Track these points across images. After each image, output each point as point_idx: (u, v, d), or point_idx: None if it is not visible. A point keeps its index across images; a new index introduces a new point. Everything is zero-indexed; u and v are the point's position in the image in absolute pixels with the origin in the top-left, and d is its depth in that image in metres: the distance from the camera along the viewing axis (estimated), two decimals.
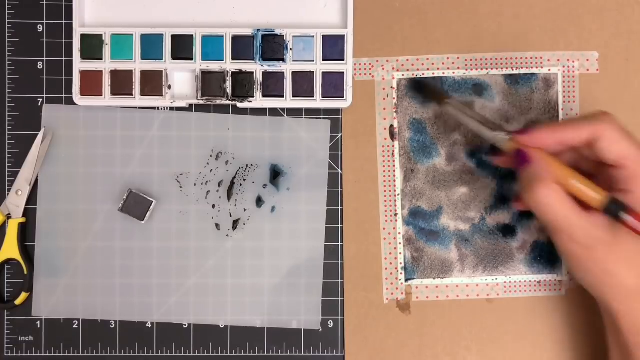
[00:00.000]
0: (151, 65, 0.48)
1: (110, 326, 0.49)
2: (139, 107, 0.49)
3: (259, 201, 0.49)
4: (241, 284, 0.49)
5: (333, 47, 0.48)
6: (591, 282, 0.41)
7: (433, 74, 0.49)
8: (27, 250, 0.49)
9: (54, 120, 0.49)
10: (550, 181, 0.39)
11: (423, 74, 0.49)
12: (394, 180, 0.49)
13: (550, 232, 0.41)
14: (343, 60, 0.48)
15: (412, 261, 0.49)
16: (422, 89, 0.49)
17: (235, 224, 0.49)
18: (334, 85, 0.48)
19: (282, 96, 0.48)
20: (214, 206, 0.49)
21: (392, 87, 0.49)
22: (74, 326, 0.49)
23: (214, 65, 0.48)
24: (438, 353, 0.49)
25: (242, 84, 0.48)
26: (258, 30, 0.48)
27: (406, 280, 0.49)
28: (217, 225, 0.49)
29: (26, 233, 0.49)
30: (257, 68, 0.48)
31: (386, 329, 0.49)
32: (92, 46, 0.48)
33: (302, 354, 0.49)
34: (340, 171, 0.49)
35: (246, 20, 0.49)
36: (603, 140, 0.39)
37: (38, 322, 0.49)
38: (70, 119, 0.49)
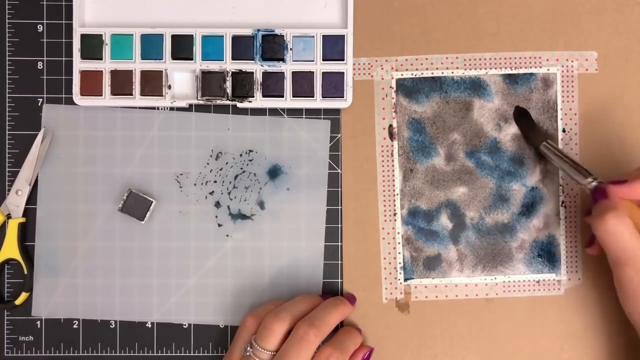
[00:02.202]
0: (151, 65, 0.48)
1: (110, 326, 0.49)
2: (139, 107, 0.49)
3: (259, 201, 0.49)
4: (241, 284, 0.49)
5: (333, 47, 0.48)
6: None
7: (432, 73, 0.49)
8: (27, 250, 0.49)
9: (54, 120, 0.49)
10: (622, 212, 0.40)
11: (422, 74, 0.49)
12: (393, 180, 0.49)
13: (615, 264, 0.41)
14: (343, 60, 0.48)
15: (411, 261, 0.49)
16: (524, 123, 0.49)
17: (235, 224, 0.49)
18: (333, 85, 0.48)
19: (282, 96, 0.48)
20: (214, 206, 0.49)
21: (391, 87, 0.49)
22: (74, 326, 0.49)
23: (214, 65, 0.48)
24: (437, 353, 0.49)
25: (242, 84, 0.48)
26: (258, 30, 0.48)
27: (405, 280, 0.49)
28: (217, 226, 0.49)
29: (26, 233, 0.49)
30: (257, 68, 0.48)
31: (385, 328, 0.49)
32: (92, 46, 0.48)
33: None
34: (339, 171, 0.50)
35: (246, 20, 0.49)
36: None
37: (38, 322, 0.49)
38: (70, 119, 0.49)
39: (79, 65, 0.48)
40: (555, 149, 0.46)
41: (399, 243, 0.49)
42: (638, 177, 0.42)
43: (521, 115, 0.49)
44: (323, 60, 0.48)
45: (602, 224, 0.40)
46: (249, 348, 0.43)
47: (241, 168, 0.49)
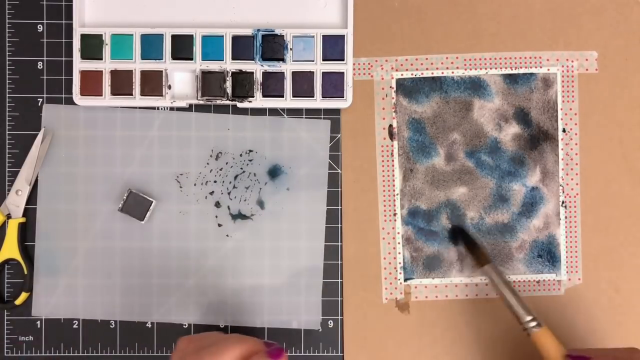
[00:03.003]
0: (151, 65, 0.48)
1: (110, 326, 0.49)
2: (139, 107, 0.49)
3: (259, 201, 0.49)
4: (241, 284, 0.49)
5: (333, 47, 0.48)
6: None
7: (432, 73, 0.49)
8: (27, 250, 0.49)
9: (54, 120, 0.49)
10: None
11: (422, 74, 0.49)
12: (393, 180, 0.49)
13: None
14: (343, 60, 0.48)
15: (411, 261, 0.49)
16: (465, 242, 0.49)
17: (235, 224, 0.49)
18: (333, 85, 0.48)
19: (282, 96, 0.48)
20: (214, 206, 0.49)
21: (391, 87, 0.49)
22: (74, 326, 0.49)
23: (214, 65, 0.48)
24: (437, 353, 0.49)
25: (242, 84, 0.48)
26: (258, 30, 0.48)
27: (405, 280, 0.49)
28: (217, 226, 0.49)
29: (26, 233, 0.49)
30: (257, 68, 0.48)
31: (385, 328, 0.49)
32: (92, 46, 0.48)
33: (302, 354, 0.49)
34: (339, 171, 0.50)
35: (246, 20, 0.49)
36: None
37: (38, 322, 0.49)
38: (70, 119, 0.49)
39: (79, 65, 0.48)
40: (498, 274, 0.45)
41: (399, 243, 0.49)
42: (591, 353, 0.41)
43: (460, 234, 0.49)
44: (323, 60, 0.48)
45: None
46: None
47: (241, 168, 0.49)
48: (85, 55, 0.48)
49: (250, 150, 0.49)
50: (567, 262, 0.49)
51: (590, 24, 0.50)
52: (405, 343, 0.49)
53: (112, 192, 0.49)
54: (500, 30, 0.50)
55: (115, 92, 0.48)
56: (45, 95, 0.49)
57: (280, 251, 0.49)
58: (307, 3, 0.49)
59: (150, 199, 0.48)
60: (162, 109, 0.49)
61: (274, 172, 0.49)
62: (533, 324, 0.43)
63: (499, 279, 0.45)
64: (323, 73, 0.48)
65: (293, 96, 0.49)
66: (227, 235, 0.49)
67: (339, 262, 0.49)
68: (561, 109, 0.49)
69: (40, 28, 0.49)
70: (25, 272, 0.48)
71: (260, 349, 0.38)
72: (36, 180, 0.49)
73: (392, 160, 0.49)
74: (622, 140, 0.49)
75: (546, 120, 0.49)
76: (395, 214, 0.49)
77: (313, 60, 0.48)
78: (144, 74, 0.48)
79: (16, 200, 0.48)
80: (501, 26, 0.50)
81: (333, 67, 0.48)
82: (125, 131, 0.49)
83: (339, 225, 0.49)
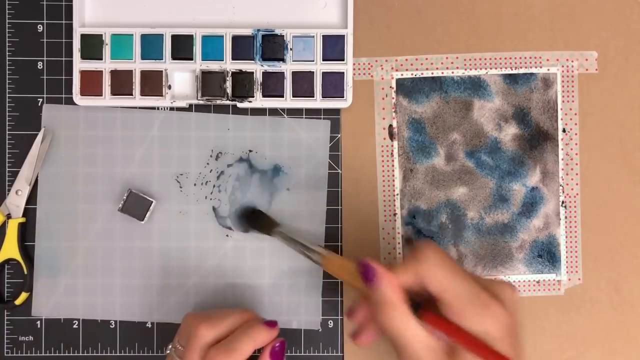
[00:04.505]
0: (151, 65, 0.48)
1: (110, 326, 0.49)
2: (139, 107, 0.49)
3: (259, 201, 0.49)
4: (241, 284, 0.49)
5: (333, 47, 0.48)
6: None
7: (432, 73, 0.49)
8: (27, 250, 0.49)
9: (54, 120, 0.49)
10: (399, 302, 0.37)
11: (422, 74, 0.49)
12: (393, 180, 0.49)
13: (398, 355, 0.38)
14: (343, 60, 0.48)
15: None
16: (251, 220, 0.49)
17: (235, 224, 0.49)
18: (333, 85, 0.48)
19: (282, 96, 0.48)
20: (213, 206, 0.49)
21: (391, 87, 0.49)
22: (74, 326, 0.49)
23: (214, 65, 0.48)
24: None
25: (242, 84, 0.48)
26: (258, 30, 0.48)
27: None
28: (217, 225, 0.49)
29: (26, 233, 0.49)
30: (257, 68, 0.48)
31: None
32: (92, 46, 0.48)
33: (302, 354, 0.49)
34: (339, 171, 0.50)
35: (246, 20, 0.49)
36: (424, 278, 0.37)
37: (38, 322, 0.49)
38: (70, 119, 0.49)
39: (79, 65, 0.48)
40: (287, 235, 0.46)
41: (399, 243, 0.49)
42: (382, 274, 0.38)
43: (248, 214, 0.49)
44: (323, 60, 0.48)
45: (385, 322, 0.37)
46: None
47: (241, 168, 0.49)
48: (85, 55, 0.48)
49: (250, 150, 0.49)
50: (567, 262, 0.49)
51: (590, 24, 0.50)
52: None
53: (112, 192, 0.49)
54: (500, 30, 0.50)
55: (115, 92, 0.48)
56: (45, 95, 0.49)
57: (280, 251, 0.49)
58: (307, 3, 0.49)
59: (150, 199, 0.48)
60: (162, 109, 0.49)
61: (274, 172, 0.49)
62: (318, 257, 0.43)
63: (286, 239, 0.46)
64: (323, 73, 0.48)
65: (293, 96, 0.49)
66: (227, 235, 0.49)
67: None
68: (561, 109, 0.49)
69: (40, 28, 0.49)
70: (25, 272, 0.48)
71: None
72: (36, 180, 0.49)
73: (392, 160, 0.49)
74: (622, 140, 0.49)
75: (546, 120, 0.49)
76: (395, 214, 0.49)
77: (313, 60, 0.48)
78: (144, 74, 0.48)
79: (16, 200, 0.48)
80: (501, 26, 0.50)
81: (333, 67, 0.48)
82: (125, 131, 0.49)
83: (339, 225, 0.49)
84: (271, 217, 0.49)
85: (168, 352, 0.43)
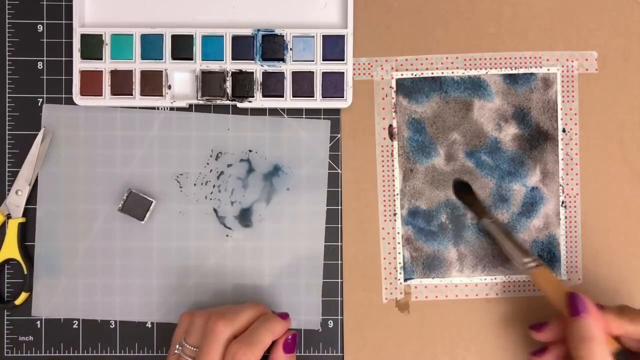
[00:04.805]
0: (151, 65, 0.48)
1: (110, 326, 0.49)
2: (139, 107, 0.49)
3: (259, 201, 0.49)
4: (241, 284, 0.49)
5: (333, 47, 0.48)
6: None
7: (432, 73, 0.49)
8: (27, 250, 0.49)
9: (54, 120, 0.49)
10: (603, 340, 0.40)
11: (422, 74, 0.49)
12: (393, 180, 0.49)
13: None
14: (343, 60, 0.48)
15: (411, 261, 0.49)
16: (465, 197, 0.49)
17: (235, 223, 0.49)
18: (333, 85, 0.48)
19: (282, 96, 0.48)
20: (213, 206, 0.49)
21: (391, 87, 0.49)
22: (74, 326, 0.49)
23: (214, 65, 0.48)
24: (437, 353, 0.49)
25: (242, 84, 0.48)
26: (258, 30, 0.48)
27: (405, 280, 0.49)
28: (217, 225, 0.49)
29: (26, 233, 0.49)
30: (257, 68, 0.48)
31: (385, 328, 0.49)
32: (92, 46, 0.48)
33: (302, 354, 0.49)
34: (339, 171, 0.50)
35: (246, 20, 0.49)
36: None
37: (38, 322, 0.49)
38: (70, 119, 0.49)
39: (79, 65, 0.48)
40: (498, 227, 0.47)
41: (399, 243, 0.49)
42: (604, 309, 0.42)
43: (462, 188, 0.49)
44: (323, 60, 0.48)
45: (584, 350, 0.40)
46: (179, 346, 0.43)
47: (241, 168, 0.49)
48: (85, 55, 0.48)
49: (250, 150, 0.49)
50: (567, 262, 0.49)
51: (590, 24, 0.50)
52: (405, 343, 0.49)
53: (112, 192, 0.49)
54: (500, 30, 0.50)
55: (115, 92, 0.48)
56: (45, 95, 0.49)
57: (280, 251, 0.49)
58: (307, 3, 0.49)
59: (150, 199, 0.48)
60: (162, 109, 0.49)
61: (274, 172, 0.49)
62: (533, 264, 0.45)
63: (497, 231, 0.47)
64: (323, 73, 0.48)
65: (293, 96, 0.49)
66: (227, 235, 0.49)
67: (339, 262, 0.49)
68: (561, 109, 0.49)
69: (40, 28, 0.49)
70: (25, 272, 0.48)
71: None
72: (36, 180, 0.49)
73: (392, 160, 0.49)
74: (622, 140, 0.49)
75: (546, 120, 0.49)
76: (395, 214, 0.49)
77: (313, 60, 0.48)
78: (144, 74, 0.48)
79: (16, 200, 0.48)
80: (501, 26, 0.50)
81: (333, 67, 0.48)
82: (125, 131, 0.49)
83: (339, 225, 0.49)
84: (482, 204, 0.49)
85: (175, 352, 0.43)
